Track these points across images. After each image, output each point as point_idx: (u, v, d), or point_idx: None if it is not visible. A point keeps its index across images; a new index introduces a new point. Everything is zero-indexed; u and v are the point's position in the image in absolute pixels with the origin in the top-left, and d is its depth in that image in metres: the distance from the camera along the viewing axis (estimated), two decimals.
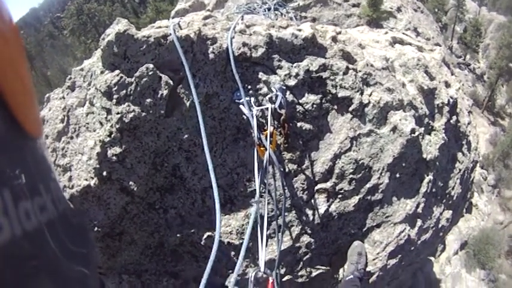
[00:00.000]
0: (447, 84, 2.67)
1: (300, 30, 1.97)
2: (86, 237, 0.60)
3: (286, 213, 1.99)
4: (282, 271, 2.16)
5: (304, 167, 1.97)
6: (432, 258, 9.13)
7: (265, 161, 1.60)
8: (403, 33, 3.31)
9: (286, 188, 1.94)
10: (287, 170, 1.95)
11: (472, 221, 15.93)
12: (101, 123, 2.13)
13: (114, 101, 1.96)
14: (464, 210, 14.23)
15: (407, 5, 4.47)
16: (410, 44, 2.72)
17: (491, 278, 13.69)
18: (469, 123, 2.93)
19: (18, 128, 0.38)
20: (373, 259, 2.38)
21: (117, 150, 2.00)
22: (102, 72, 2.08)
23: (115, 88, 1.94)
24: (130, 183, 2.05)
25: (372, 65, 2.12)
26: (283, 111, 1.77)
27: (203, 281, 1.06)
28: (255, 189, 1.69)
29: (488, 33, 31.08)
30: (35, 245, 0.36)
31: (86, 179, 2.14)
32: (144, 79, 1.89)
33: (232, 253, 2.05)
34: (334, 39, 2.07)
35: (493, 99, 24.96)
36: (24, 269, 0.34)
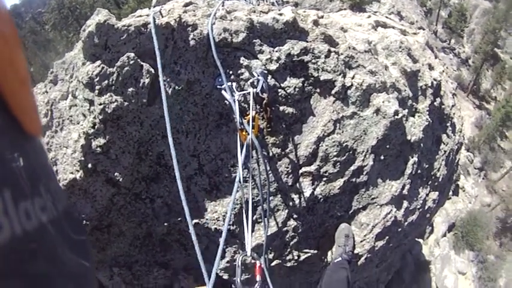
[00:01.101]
0: (430, 67, 2.69)
1: (281, 14, 1.96)
2: (82, 226, 0.61)
3: (271, 198, 2.00)
4: (271, 256, 2.18)
5: (287, 150, 1.98)
6: (421, 241, 9.32)
7: (245, 146, 1.61)
8: (387, 17, 3.32)
9: (270, 172, 1.95)
10: (271, 154, 1.96)
11: (459, 204, 16.25)
12: (84, 115, 2.11)
13: (97, 92, 1.94)
14: (451, 193, 14.55)
15: None
16: (393, 27, 2.73)
17: (480, 259, 14.05)
18: (453, 106, 2.97)
19: (18, 127, 0.38)
20: (361, 241, 2.42)
21: (101, 141, 1.99)
22: (83, 64, 2.06)
23: (97, 79, 1.92)
24: (116, 174, 2.04)
25: (354, 48, 2.12)
26: (265, 96, 1.77)
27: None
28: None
29: (474, 19, 31.32)
30: (36, 244, 0.36)
31: (72, 172, 2.12)
32: (126, 68, 1.88)
33: (221, 239, 2.07)
34: (316, 23, 2.06)
35: (478, 83, 25.31)
36: (27, 267, 0.34)
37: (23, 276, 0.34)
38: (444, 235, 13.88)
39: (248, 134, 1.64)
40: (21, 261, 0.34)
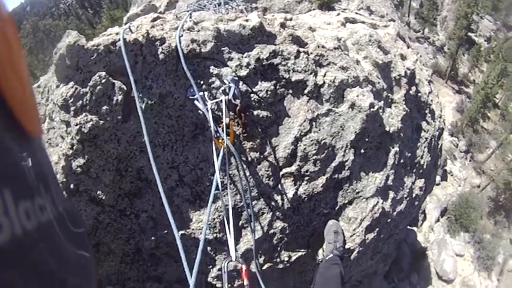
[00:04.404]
0: (403, 57, 2.73)
1: (247, 20, 1.98)
2: (81, 219, 0.62)
3: (254, 202, 2.01)
4: (261, 259, 2.19)
5: (266, 154, 1.99)
6: (415, 229, 9.39)
7: (221, 153, 1.62)
8: (356, 13, 3.36)
9: (251, 176, 1.96)
10: (249, 159, 1.96)
11: (449, 188, 16.40)
12: (62, 137, 2.11)
13: (72, 113, 1.95)
14: (440, 178, 14.66)
15: None
16: (363, 22, 2.77)
17: (476, 239, 14.16)
18: (430, 92, 3.01)
19: (18, 127, 0.38)
20: (351, 236, 2.43)
21: (80, 161, 1.99)
22: (57, 86, 2.07)
23: (71, 100, 1.93)
24: (98, 192, 2.04)
25: (323, 46, 2.15)
26: (238, 102, 1.78)
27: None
28: (221, 182, 1.71)
29: (445, 6, 31.77)
30: (36, 243, 0.36)
31: None
32: (98, 87, 1.88)
33: (209, 248, 2.07)
34: (283, 26, 2.08)
35: (455, 68, 25.58)
36: (27, 266, 0.34)
37: (24, 274, 0.34)
38: (437, 220, 14.00)
39: (224, 141, 1.65)
40: (22, 260, 0.34)
